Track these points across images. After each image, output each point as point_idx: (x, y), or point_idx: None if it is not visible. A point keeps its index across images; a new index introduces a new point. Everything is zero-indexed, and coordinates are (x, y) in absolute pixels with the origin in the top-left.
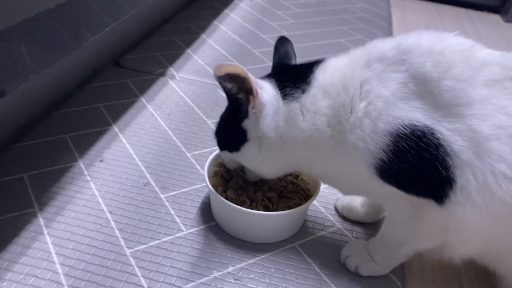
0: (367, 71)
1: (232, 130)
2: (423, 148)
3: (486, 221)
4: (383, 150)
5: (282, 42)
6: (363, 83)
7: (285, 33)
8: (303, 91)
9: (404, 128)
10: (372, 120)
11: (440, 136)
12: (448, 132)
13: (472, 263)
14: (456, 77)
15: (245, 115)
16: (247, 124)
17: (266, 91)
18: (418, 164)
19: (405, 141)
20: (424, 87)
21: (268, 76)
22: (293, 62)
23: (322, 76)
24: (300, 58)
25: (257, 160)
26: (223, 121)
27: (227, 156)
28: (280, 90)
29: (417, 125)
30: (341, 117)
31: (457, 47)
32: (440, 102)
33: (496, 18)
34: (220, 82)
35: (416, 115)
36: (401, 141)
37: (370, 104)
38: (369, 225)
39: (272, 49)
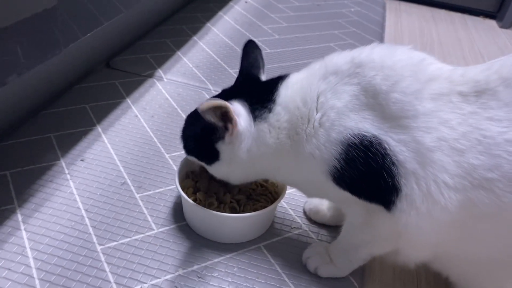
0: (323, 83)
1: (205, 147)
2: (370, 157)
3: (430, 228)
4: (336, 158)
5: (252, 48)
6: (320, 95)
7: (276, 37)
8: (270, 110)
9: (353, 137)
10: (326, 130)
11: (386, 146)
12: (394, 143)
13: (430, 268)
14: (403, 90)
15: (221, 138)
16: (222, 146)
17: (243, 118)
18: (367, 172)
19: (354, 150)
20: (374, 99)
21: (240, 94)
22: (261, 72)
23: (285, 93)
24: (288, 62)
25: (226, 173)
26: (195, 135)
27: (193, 160)
28: (251, 112)
29: (366, 135)
30: (298, 128)
31: (407, 61)
32: (388, 114)
33: (492, 23)
34: (203, 115)
35: (365, 125)
36: (351, 149)
37: (324, 115)
38: (335, 228)
39: (262, 52)
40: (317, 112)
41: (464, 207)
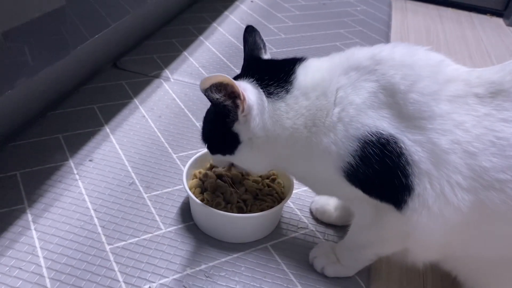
0: (344, 78)
1: (223, 135)
2: (386, 155)
3: (441, 228)
4: (351, 155)
5: (250, 32)
6: (339, 89)
7: (282, 36)
8: (287, 91)
9: (371, 135)
10: (344, 125)
11: (402, 145)
12: (410, 143)
13: (437, 267)
14: (421, 91)
15: (235, 119)
16: (238, 127)
17: (250, 92)
18: (381, 170)
19: (371, 148)
20: (392, 98)
21: (245, 74)
22: (263, 52)
23: (304, 77)
24: None
25: (249, 159)
26: (212, 127)
27: (219, 158)
28: (262, 88)
29: (383, 133)
30: (317, 119)
31: (426, 61)
32: (405, 113)
33: (499, 21)
34: (207, 95)
35: (382, 123)
36: (368, 147)
37: (343, 110)
38: (341, 228)
39: (268, 52)
40: (335, 107)
41: (475, 207)
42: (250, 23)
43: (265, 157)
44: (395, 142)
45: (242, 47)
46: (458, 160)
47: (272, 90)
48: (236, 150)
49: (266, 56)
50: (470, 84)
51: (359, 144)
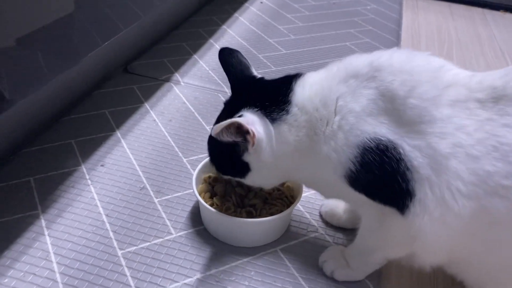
0: (343, 86)
1: (234, 163)
2: (385, 161)
3: (444, 233)
4: (352, 161)
5: (230, 53)
6: (339, 98)
7: (291, 37)
8: (288, 112)
9: (370, 141)
10: (344, 133)
11: (401, 151)
12: (409, 148)
13: (447, 272)
14: (420, 96)
15: (245, 150)
16: (248, 157)
17: (258, 125)
18: (382, 176)
19: (370, 154)
20: (391, 104)
21: (247, 101)
22: (252, 70)
23: (301, 92)
24: (304, 62)
25: (259, 179)
26: (221, 154)
27: (229, 177)
28: (266, 116)
29: (382, 140)
30: (318, 129)
31: (425, 67)
32: (404, 119)
33: None
34: (220, 139)
35: (381, 130)
36: (367, 153)
37: (343, 119)
38: (351, 231)
39: (278, 53)
40: (335, 115)
41: (478, 214)
42: (259, 25)
43: (275, 172)
44: (394, 148)
45: (252, 50)
46: (458, 166)
47: (275, 115)
48: (247, 176)
49: (255, 73)
50: (471, 89)
51: (358, 151)
